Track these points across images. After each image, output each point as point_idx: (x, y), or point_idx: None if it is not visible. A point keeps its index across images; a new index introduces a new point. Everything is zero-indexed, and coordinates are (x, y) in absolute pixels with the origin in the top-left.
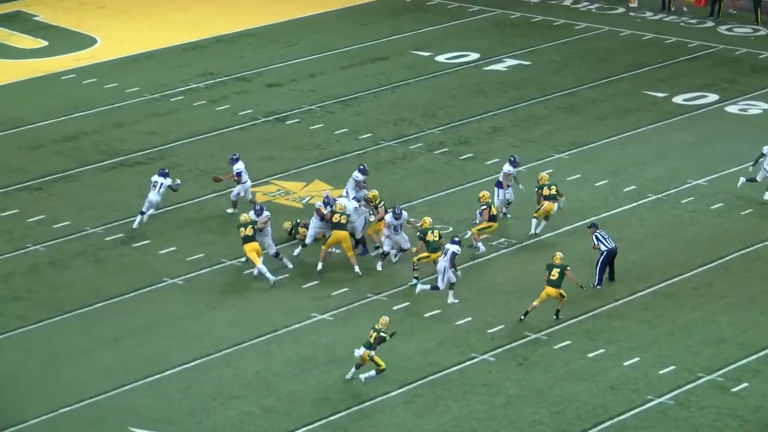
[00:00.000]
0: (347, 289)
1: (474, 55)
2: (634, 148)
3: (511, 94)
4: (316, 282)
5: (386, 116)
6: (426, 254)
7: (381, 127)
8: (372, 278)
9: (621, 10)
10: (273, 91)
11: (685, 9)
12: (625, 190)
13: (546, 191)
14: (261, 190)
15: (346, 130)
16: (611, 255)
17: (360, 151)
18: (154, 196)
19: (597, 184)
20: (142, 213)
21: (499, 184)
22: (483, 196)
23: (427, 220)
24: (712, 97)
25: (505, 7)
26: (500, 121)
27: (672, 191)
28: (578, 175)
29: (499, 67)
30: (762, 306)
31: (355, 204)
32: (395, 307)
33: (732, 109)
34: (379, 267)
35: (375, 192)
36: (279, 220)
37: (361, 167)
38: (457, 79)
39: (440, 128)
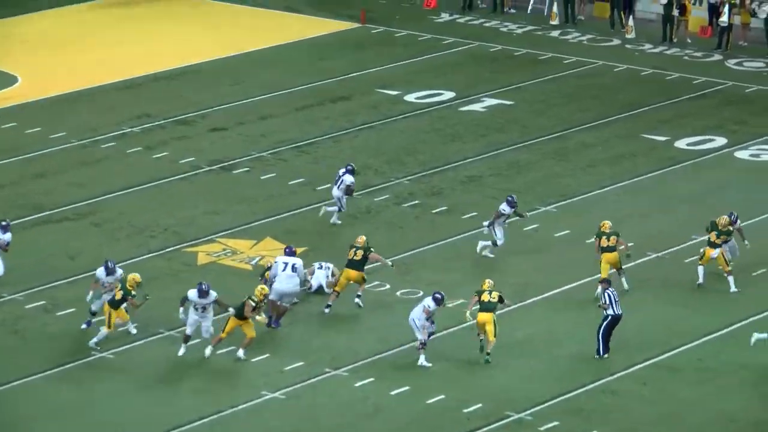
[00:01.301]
0: (302, 363)
1: (448, 94)
2: (631, 200)
3: (491, 138)
4: (266, 355)
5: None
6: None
7: None
8: (331, 351)
9: (616, 41)
10: (218, 135)
11: (688, 40)
12: (620, 247)
13: (605, 241)
14: (204, 250)
15: (301, 180)
16: (615, 321)
17: (318, 204)
18: (335, 191)
19: (588, 241)
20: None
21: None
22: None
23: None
24: (720, 140)
25: (483, 39)
26: (478, 169)
27: (675, 249)
28: (567, 231)
29: (477, 107)
30: None
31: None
32: (357, 383)
33: (742, 154)
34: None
35: (363, 237)
36: (226, 282)
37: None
38: (429, 121)
39: (410, 177)
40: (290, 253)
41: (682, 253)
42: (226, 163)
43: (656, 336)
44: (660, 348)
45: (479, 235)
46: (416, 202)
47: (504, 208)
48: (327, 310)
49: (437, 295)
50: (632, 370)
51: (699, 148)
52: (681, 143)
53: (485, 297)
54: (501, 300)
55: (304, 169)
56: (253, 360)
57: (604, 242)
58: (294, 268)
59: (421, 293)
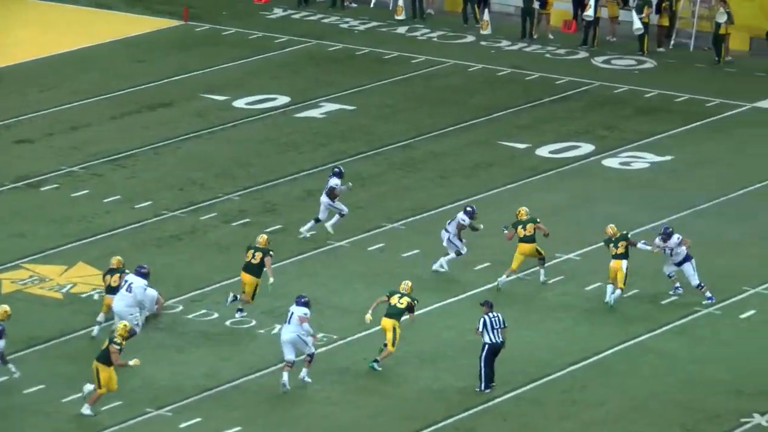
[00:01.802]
0: (120, 402)
1: (282, 99)
2: (488, 215)
3: (331, 148)
4: (77, 395)
5: (170, 178)
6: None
7: (163, 193)
8: (153, 388)
9: (470, 38)
10: (23, 148)
11: (550, 36)
12: (476, 268)
13: (521, 231)
14: (9, 277)
15: (118, 197)
16: (494, 349)
17: (137, 224)
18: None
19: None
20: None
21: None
22: None
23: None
24: (587, 147)
25: (322, 36)
26: (317, 183)
27: (535, 269)
28: (417, 251)
29: (315, 113)
30: (650, 414)
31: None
32: (183, 424)
33: (611, 162)
34: None
35: (265, 237)
36: (34, 313)
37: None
38: (261, 129)
39: (240, 193)
40: (139, 273)
41: (546, 273)
42: (32, 180)
43: (518, 365)
44: (521, 379)
45: (317, 256)
46: (247, 220)
47: (463, 218)
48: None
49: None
50: (491, 404)
51: (563, 156)
52: (543, 151)
53: (394, 300)
54: (410, 309)
55: (121, 185)
56: (64, 400)
57: (521, 232)
58: (129, 288)
59: (254, 322)
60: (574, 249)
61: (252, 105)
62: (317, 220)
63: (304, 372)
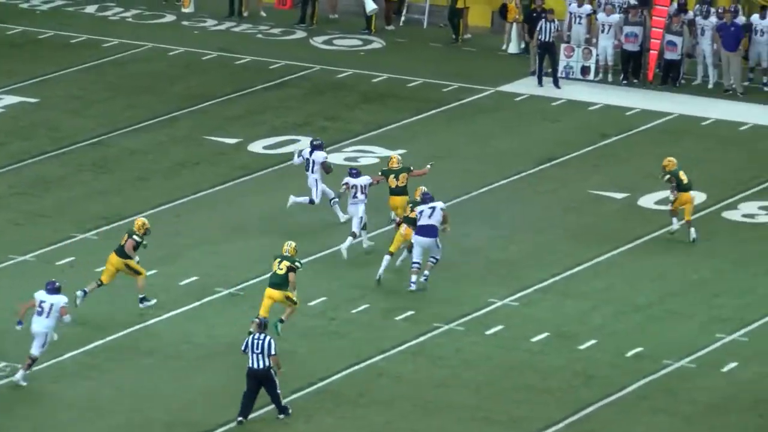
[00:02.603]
0: None
1: None
2: (196, 220)
3: (11, 148)
4: None
5: None
6: None
7: None
8: None
9: (170, 18)
10: None
11: (263, 14)
12: (182, 282)
13: (393, 181)
14: None
15: None
16: (254, 376)
17: None
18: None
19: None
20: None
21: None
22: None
23: None
24: (307, 141)
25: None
26: None
27: (249, 283)
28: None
29: None
30: None
31: None
32: None
33: (335, 157)
34: None
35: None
36: None
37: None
38: None
39: None
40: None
41: (253, 288)
42: None
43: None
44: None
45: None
46: None
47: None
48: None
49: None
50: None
51: (280, 152)
52: (256, 146)
53: (274, 266)
54: (291, 269)
55: None
56: None
57: (392, 182)
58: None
59: None
60: (304, 257)
61: None
62: (312, 202)
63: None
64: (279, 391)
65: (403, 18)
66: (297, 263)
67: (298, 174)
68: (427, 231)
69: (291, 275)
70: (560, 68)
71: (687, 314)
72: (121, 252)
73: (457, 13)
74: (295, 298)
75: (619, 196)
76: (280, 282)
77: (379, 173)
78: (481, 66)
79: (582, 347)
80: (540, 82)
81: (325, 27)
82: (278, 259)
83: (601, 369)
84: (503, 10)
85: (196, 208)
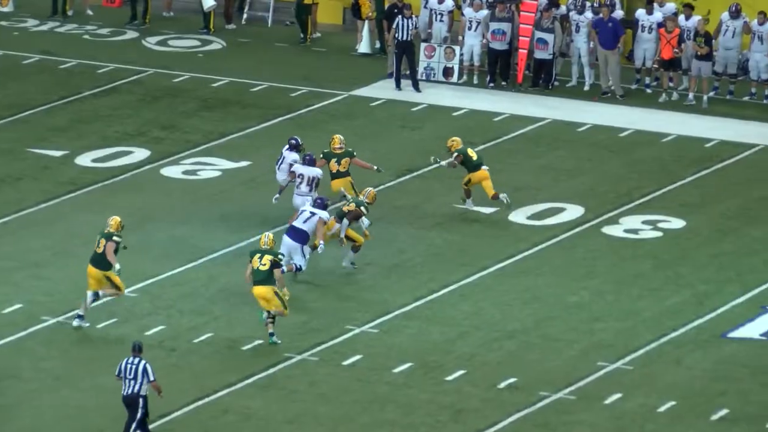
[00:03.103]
0: None
1: None
2: (17, 242)
3: None
4: None
5: None
6: None
7: None
8: None
9: None
10: None
11: (89, 12)
12: (4, 311)
13: (335, 165)
14: None
15: None
16: (127, 403)
17: None
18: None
19: None
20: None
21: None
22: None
23: None
24: (141, 153)
25: None
26: None
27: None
28: None
29: None
30: None
31: None
32: None
33: (172, 171)
34: None
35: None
36: None
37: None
38: None
39: None
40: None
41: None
42: None
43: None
44: None
45: None
46: None
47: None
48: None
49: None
50: None
51: (111, 165)
52: (84, 159)
53: (255, 262)
54: (276, 264)
55: None
56: None
57: (333, 166)
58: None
59: None
60: (134, 282)
61: None
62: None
63: None
64: (147, 419)
65: (245, 15)
66: (280, 256)
67: (133, 189)
68: (297, 234)
69: (277, 272)
70: (420, 70)
71: (565, 341)
72: (98, 262)
73: (305, 10)
74: (285, 296)
75: (487, 211)
76: (265, 278)
77: (321, 155)
78: (332, 68)
79: (449, 378)
80: (398, 86)
81: (159, 26)
82: (258, 255)
83: (471, 402)
84: (355, 7)
85: (19, 228)
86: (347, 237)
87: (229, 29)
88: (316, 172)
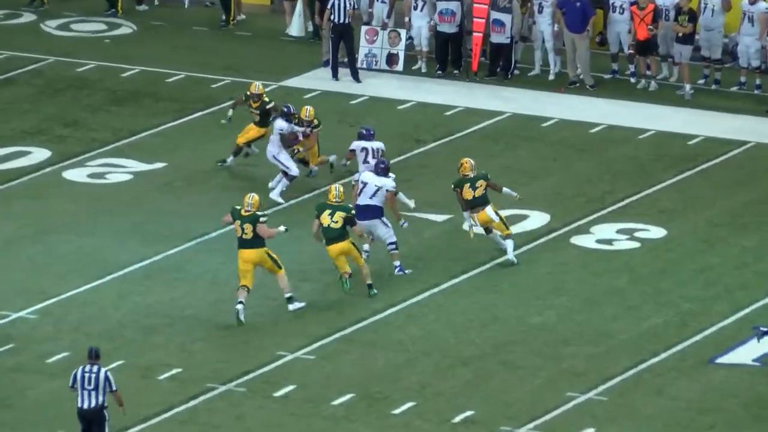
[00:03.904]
0: None
1: None
2: None
3: None
4: None
5: None
6: None
7: None
8: None
9: None
10: None
11: None
12: None
13: (469, 191)
14: None
15: None
16: (84, 416)
17: None
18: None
19: None
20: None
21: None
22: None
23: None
24: (40, 153)
25: None
26: None
27: None
28: None
29: None
30: None
31: None
32: None
33: (77, 174)
34: None
35: None
36: None
37: (286, 108)
38: None
39: None
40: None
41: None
42: None
43: None
44: None
45: None
46: None
47: (280, 126)
48: None
49: (285, 108)
50: None
51: (6, 168)
52: None
53: (325, 219)
54: (350, 223)
55: None
56: None
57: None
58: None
59: None
60: (34, 303)
61: None
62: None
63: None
64: None
65: None
66: (353, 211)
67: (32, 195)
68: (367, 211)
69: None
70: (360, 57)
71: (529, 368)
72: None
73: None
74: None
75: (439, 218)
76: (340, 235)
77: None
78: (259, 55)
79: (396, 411)
80: (335, 75)
81: (60, 8)
82: (328, 211)
83: None
84: None
85: None
86: None
87: (141, 11)
88: (378, 144)
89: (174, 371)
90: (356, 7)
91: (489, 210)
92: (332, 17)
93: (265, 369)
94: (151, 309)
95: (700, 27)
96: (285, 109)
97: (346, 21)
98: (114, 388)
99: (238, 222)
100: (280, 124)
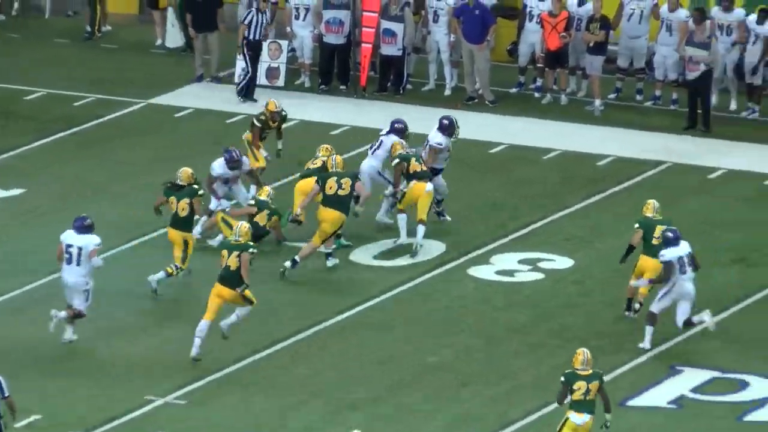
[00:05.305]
0: None
1: None
2: None
3: None
4: None
5: None
6: None
7: None
8: None
9: None
10: None
11: None
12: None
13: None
14: None
15: None
16: None
17: None
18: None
19: None
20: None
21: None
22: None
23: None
24: None
25: None
26: None
27: None
28: None
29: None
30: None
31: None
32: None
33: None
34: None
35: None
36: None
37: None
38: None
39: None
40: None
41: None
42: None
43: None
44: None
45: None
46: None
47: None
48: None
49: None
50: None
51: None
52: None
53: (331, 187)
54: (356, 199)
55: None
56: None
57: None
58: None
59: None
60: None
61: None
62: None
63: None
64: None
65: (15, 4)
66: (358, 178)
67: None
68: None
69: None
70: (237, 71)
71: (424, 411)
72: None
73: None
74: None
75: (320, 248)
76: (340, 202)
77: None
78: (126, 70)
79: None
80: (252, 95)
81: None
82: (333, 178)
83: None
84: None
85: None
86: None
87: None
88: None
89: (32, 418)
90: (270, 22)
91: (429, 187)
92: (247, 34)
93: (132, 415)
94: (7, 351)
95: (622, 34)
96: (227, 155)
97: (260, 38)
98: (7, 394)
99: (225, 251)
100: (218, 169)
